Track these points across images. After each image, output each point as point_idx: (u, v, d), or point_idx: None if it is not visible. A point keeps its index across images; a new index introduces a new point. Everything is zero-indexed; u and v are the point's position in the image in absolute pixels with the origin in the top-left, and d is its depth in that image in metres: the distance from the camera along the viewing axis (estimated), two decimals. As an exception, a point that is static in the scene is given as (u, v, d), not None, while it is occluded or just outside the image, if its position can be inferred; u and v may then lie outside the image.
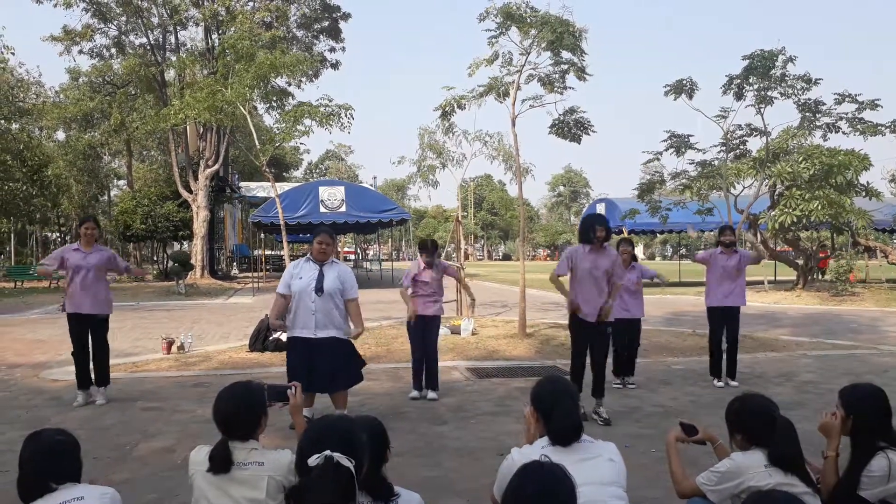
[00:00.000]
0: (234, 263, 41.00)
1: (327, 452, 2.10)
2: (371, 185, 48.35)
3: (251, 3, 30.87)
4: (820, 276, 23.59)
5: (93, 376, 7.18)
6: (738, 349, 8.06)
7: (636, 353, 8.01)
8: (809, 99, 17.04)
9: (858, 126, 17.12)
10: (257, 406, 2.85)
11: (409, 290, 7.37)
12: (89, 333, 7.11)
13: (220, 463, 2.68)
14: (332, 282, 5.80)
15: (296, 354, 5.87)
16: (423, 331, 7.33)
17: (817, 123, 17.85)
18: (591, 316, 6.27)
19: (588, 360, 6.41)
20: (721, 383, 7.84)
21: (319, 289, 5.75)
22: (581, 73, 11.29)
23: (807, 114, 17.55)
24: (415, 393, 7.31)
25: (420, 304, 7.31)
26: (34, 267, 31.63)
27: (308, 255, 6.01)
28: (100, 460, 5.11)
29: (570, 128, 11.95)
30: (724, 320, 7.92)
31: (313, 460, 2.10)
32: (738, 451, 3.04)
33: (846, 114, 17.27)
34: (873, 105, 16.75)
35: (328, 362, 5.79)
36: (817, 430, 3.25)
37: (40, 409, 6.96)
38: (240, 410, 2.79)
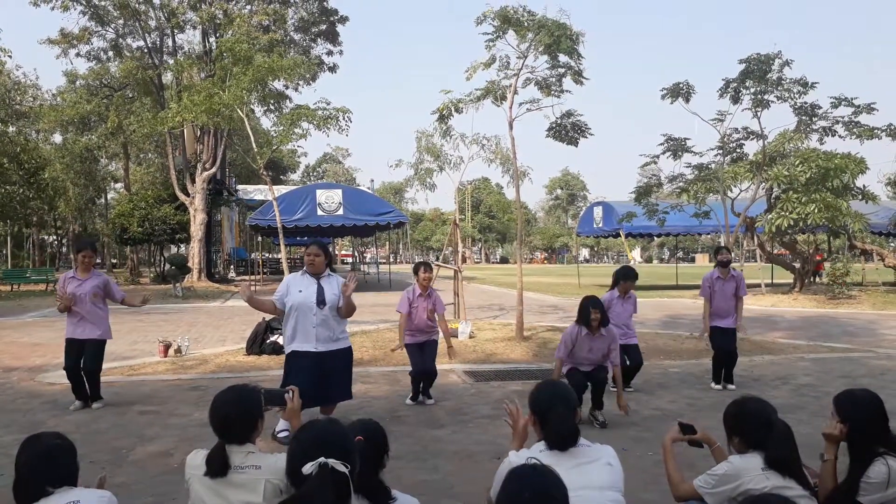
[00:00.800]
0: (232, 266, 41.00)
1: (322, 459, 2.09)
2: (368, 189, 48.36)
3: (249, 7, 30.90)
4: (817, 279, 23.62)
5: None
6: (736, 358, 8.09)
7: (638, 370, 7.84)
8: (806, 102, 17.07)
9: (855, 130, 17.15)
10: (254, 409, 2.83)
11: (404, 317, 7.19)
12: (83, 356, 7.04)
13: (218, 466, 2.67)
14: (332, 294, 5.76)
15: (298, 367, 5.71)
16: (423, 349, 7.25)
17: (814, 127, 17.87)
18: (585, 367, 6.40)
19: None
20: (719, 386, 7.88)
21: (321, 301, 5.69)
22: (578, 76, 11.31)
23: (803, 117, 17.57)
24: (409, 401, 7.27)
25: (415, 335, 7.22)
26: (31, 270, 31.64)
27: (304, 270, 5.93)
28: (96, 464, 5.09)
29: (567, 131, 11.98)
30: (723, 337, 7.99)
31: (308, 468, 2.09)
32: (735, 454, 3.05)
33: (842, 117, 17.30)
34: (869, 109, 16.78)
35: (328, 376, 5.75)
36: (821, 434, 3.24)
37: (36, 412, 6.94)
38: (237, 413, 2.77)
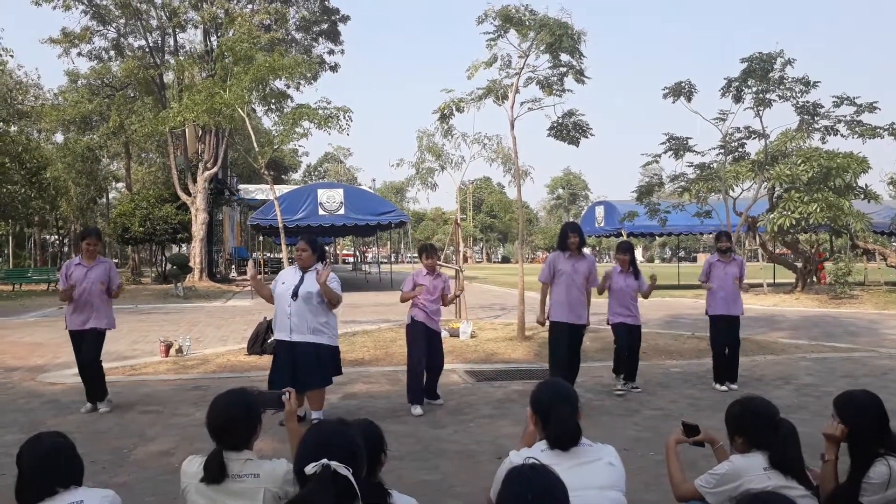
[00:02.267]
0: (233, 266, 41.00)
1: (324, 461, 2.08)
2: (370, 188, 48.35)
3: (250, 6, 30.89)
4: (818, 282, 23.51)
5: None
6: (738, 353, 8.05)
7: (638, 358, 7.93)
8: (808, 101, 17.07)
9: (857, 129, 17.15)
10: (253, 414, 2.77)
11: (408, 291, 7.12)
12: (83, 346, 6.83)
13: (216, 472, 2.60)
14: (310, 286, 5.99)
15: (277, 356, 6.22)
16: (429, 342, 6.97)
17: (816, 126, 17.88)
18: (567, 318, 6.92)
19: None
20: (724, 388, 7.74)
21: (294, 294, 5.99)
22: (579, 75, 11.30)
23: (805, 116, 17.59)
24: (418, 409, 6.72)
25: (423, 313, 6.92)
26: (32, 270, 31.64)
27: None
28: (97, 464, 5.09)
29: (569, 130, 11.96)
30: (726, 328, 7.90)
31: (310, 469, 2.07)
32: (737, 454, 3.03)
33: (844, 116, 17.30)
34: (871, 108, 16.78)
35: (299, 365, 6.00)
36: (821, 433, 3.23)
37: (37, 412, 6.94)
38: (235, 418, 2.70)
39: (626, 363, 7.71)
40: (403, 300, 7.07)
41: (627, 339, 7.65)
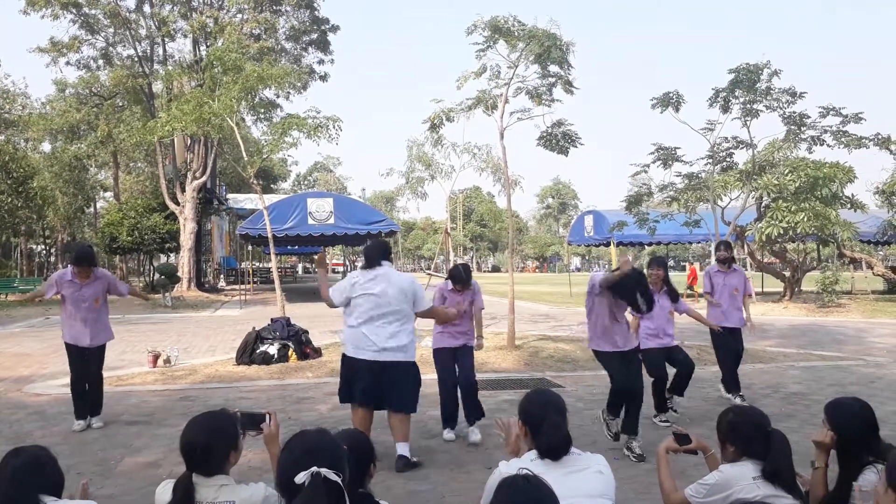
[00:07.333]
0: (222, 276, 40.81)
1: (314, 469, 2.07)
2: (360, 197, 48.27)
3: (239, 16, 30.89)
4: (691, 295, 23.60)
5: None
6: (738, 365, 7.76)
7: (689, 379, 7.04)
8: (794, 112, 17.20)
9: (843, 139, 17.27)
10: (228, 437, 2.61)
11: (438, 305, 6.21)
12: (88, 361, 6.62)
13: (181, 498, 2.47)
14: None
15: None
16: (457, 361, 6.29)
17: (802, 136, 18.01)
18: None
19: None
20: (738, 399, 7.31)
21: None
22: (568, 85, 11.36)
23: (792, 127, 17.71)
24: (448, 434, 6.19)
25: (448, 336, 6.28)
26: (19, 280, 31.33)
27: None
28: (83, 475, 5.03)
29: (558, 140, 11.99)
30: (728, 338, 7.61)
31: (300, 478, 2.07)
32: (726, 463, 3.04)
33: (831, 127, 17.45)
34: (857, 118, 16.91)
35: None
36: (811, 441, 3.25)
37: (23, 423, 6.86)
38: (207, 443, 2.54)
39: (677, 385, 6.96)
40: (442, 319, 5.96)
41: (664, 364, 6.81)
